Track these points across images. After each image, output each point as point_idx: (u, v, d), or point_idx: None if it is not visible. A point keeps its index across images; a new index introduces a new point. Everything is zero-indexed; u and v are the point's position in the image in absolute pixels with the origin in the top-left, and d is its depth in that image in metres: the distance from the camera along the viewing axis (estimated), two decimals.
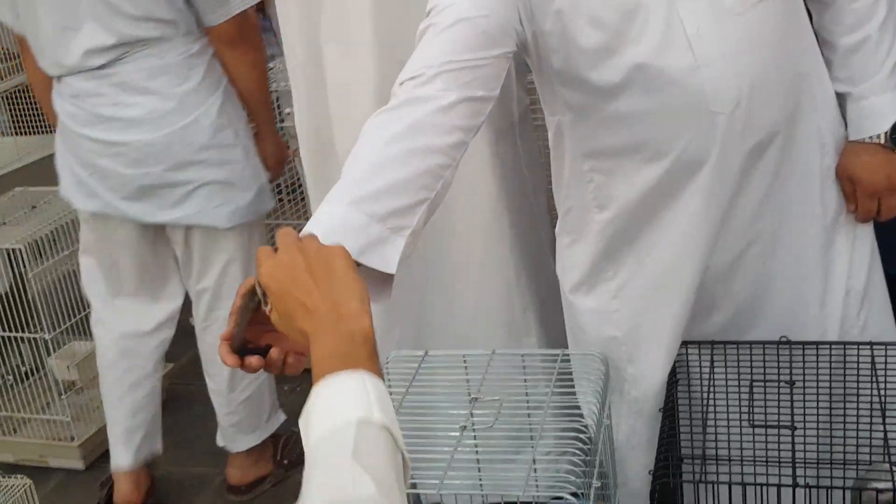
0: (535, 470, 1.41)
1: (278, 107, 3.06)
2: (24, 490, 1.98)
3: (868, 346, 1.54)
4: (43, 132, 3.96)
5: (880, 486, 1.37)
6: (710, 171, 1.49)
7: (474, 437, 1.58)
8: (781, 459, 1.49)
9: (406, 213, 1.22)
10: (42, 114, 3.95)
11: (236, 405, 2.53)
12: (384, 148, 1.25)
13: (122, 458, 2.55)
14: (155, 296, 2.53)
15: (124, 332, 2.51)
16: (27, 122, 4.01)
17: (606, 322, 1.66)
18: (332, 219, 1.18)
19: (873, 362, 1.52)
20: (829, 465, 1.54)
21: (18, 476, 2.01)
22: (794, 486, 1.32)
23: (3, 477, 2.02)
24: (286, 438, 2.65)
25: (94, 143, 2.31)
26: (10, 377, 2.95)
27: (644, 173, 1.52)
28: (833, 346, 1.55)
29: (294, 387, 2.93)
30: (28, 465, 2.69)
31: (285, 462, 2.64)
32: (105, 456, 2.81)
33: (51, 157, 3.41)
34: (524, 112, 2.11)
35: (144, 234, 2.43)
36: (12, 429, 2.87)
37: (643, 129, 1.48)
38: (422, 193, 1.24)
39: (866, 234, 1.66)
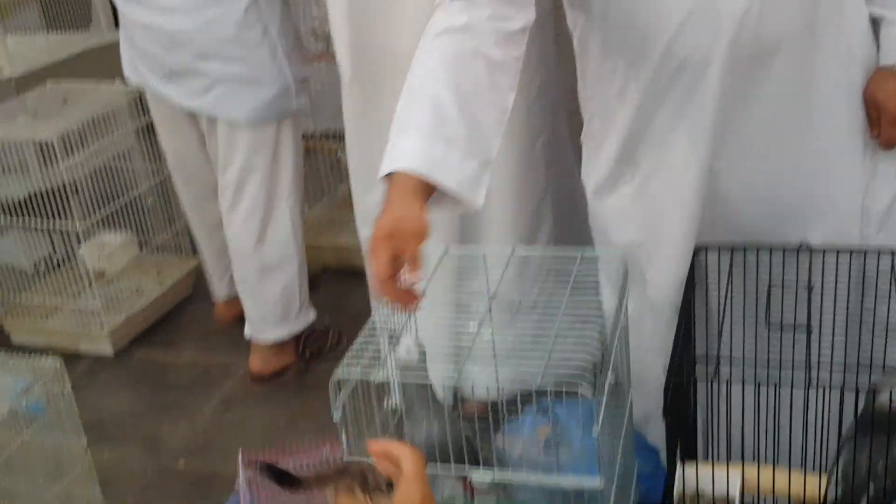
0: (551, 364, 1.43)
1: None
2: (55, 371, 2.04)
3: (889, 255, 1.54)
4: (75, 29, 3.96)
5: None
6: (716, 75, 1.48)
7: (492, 333, 1.61)
8: (796, 362, 1.50)
9: (489, 149, 1.34)
10: (73, 10, 3.96)
11: (265, 297, 2.59)
12: (462, 83, 1.33)
13: (216, 291, 2.90)
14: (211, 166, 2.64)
15: (195, 193, 2.72)
16: (59, 18, 4.00)
17: (626, 225, 1.68)
18: (431, 155, 1.29)
19: (893, 270, 1.52)
20: (843, 370, 1.55)
21: (50, 357, 2.06)
22: (808, 386, 1.33)
23: (36, 358, 2.07)
24: (308, 331, 2.71)
25: (135, 24, 2.42)
26: (43, 266, 3.01)
27: (654, 74, 1.52)
28: (853, 253, 1.55)
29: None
30: (60, 350, 2.76)
31: (307, 354, 2.70)
32: (133, 342, 2.90)
33: (81, 53, 3.49)
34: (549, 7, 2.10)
35: (184, 118, 2.53)
36: (45, 315, 2.94)
37: (653, 29, 1.48)
38: (499, 128, 1.36)
39: (893, 158, 1.64)
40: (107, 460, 2.39)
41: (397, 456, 0.99)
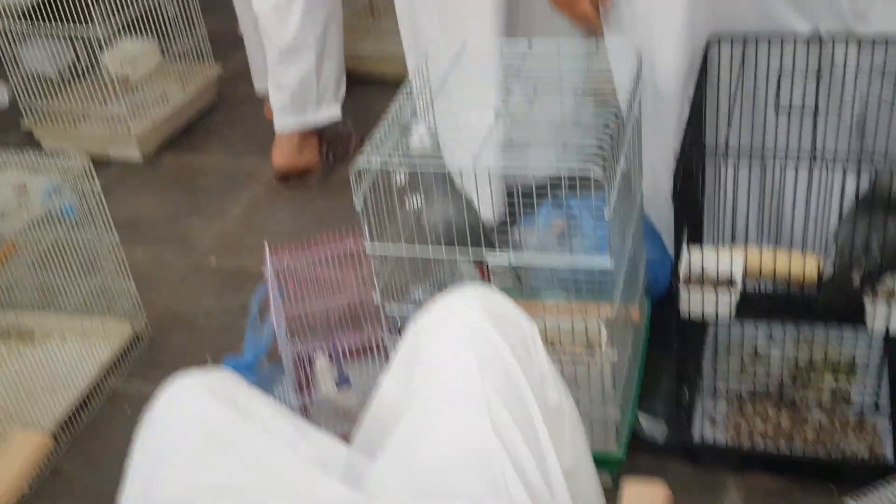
0: (565, 152, 1.48)
1: None
2: (83, 169, 2.09)
3: None
4: None
5: None
6: None
7: (508, 123, 1.66)
8: (802, 146, 1.55)
9: None
10: None
11: (284, 82, 2.65)
12: None
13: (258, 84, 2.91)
14: None
15: None
16: None
17: (626, 4, 1.70)
18: None
19: None
20: (847, 155, 1.60)
21: (77, 156, 2.11)
22: (813, 163, 1.38)
23: (64, 158, 2.12)
24: (331, 135, 2.77)
25: None
26: (68, 73, 3.05)
27: None
28: (862, 43, 1.57)
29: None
30: (90, 156, 2.83)
31: (330, 158, 2.77)
32: (161, 148, 2.97)
33: None
34: None
35: None
36: (73, 122, 3.01)
37: None
38: None
39: None
40: (141, 259, 2.50)
41: None
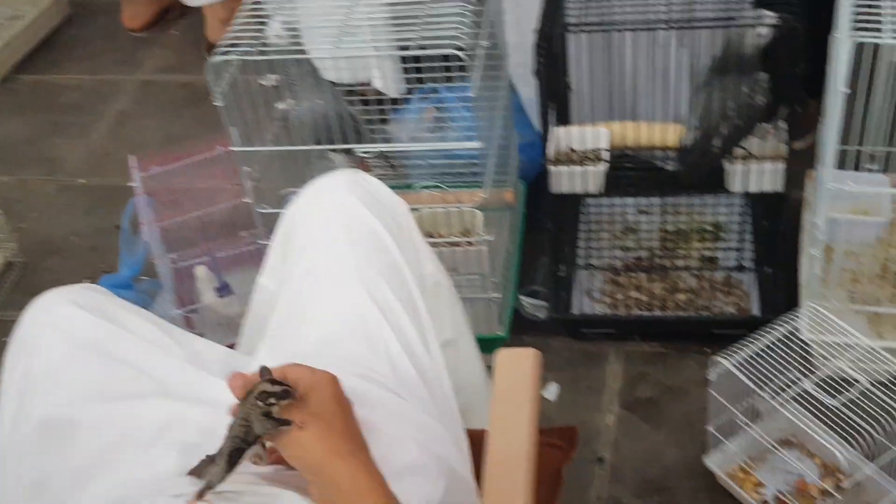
0: (427, 31, 1.46)
1: None
2: None
3: None
4: None
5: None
6: None
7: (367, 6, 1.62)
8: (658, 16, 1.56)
9: None
10: None
11: None
12: None
13: None
14: None
15: None
16: None
17: None
18: None
19: None
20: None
21: None
22: (669, 28, 1.40)
23: None
24: None
25: None
26: None
27: None
28: None
29: None
30: None
31: None
32: (16, 68, 2.84)
33: None
34: None
35: None
36: None
37: None
38: None
39: None
40: (6, 185, 2.41)
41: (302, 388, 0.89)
